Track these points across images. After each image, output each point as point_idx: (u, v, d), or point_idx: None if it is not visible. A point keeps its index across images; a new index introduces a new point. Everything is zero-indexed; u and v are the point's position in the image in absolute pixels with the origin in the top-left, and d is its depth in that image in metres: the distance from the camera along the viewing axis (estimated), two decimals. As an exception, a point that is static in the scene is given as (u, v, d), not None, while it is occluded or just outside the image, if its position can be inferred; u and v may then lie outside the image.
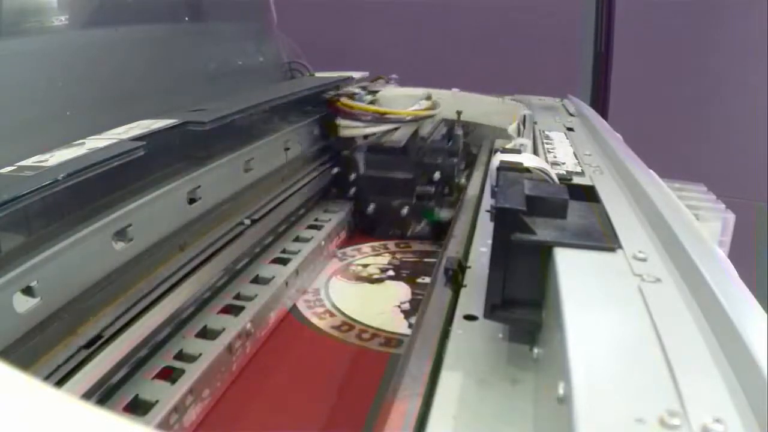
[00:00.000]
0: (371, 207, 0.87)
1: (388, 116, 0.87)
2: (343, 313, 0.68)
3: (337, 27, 1.72)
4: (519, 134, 0.64)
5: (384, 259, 0.82)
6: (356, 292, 0.74)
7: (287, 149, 0.80)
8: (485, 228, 0.51)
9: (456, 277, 0.42)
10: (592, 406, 0.19)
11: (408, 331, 0.63)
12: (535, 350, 0.33)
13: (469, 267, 0.44)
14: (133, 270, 0.51)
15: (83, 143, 0.50)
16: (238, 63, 0.92)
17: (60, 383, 0.41)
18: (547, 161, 0.46)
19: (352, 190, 0.89)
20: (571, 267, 0.29)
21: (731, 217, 0.54)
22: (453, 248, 0.50)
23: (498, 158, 0.41)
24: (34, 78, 0.55)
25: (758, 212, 1.37)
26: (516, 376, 0.32)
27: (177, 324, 0.55)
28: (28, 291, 0.40)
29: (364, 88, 0.96)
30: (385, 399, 0.33)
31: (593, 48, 1.48)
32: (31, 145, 0.48)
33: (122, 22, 0.68)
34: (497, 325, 0.35)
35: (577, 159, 0.51)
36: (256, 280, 0.67)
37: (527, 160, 0.41)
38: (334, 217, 0.85)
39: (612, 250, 0.31)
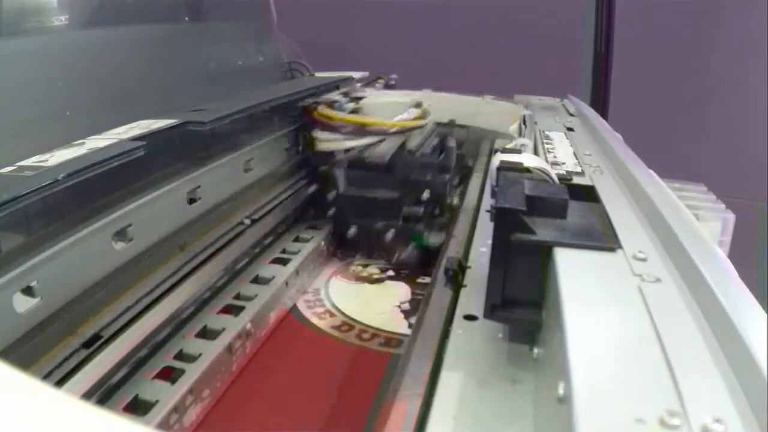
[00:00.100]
0: (352, 230, 0.79)
1: (370, 128, 0.77)
2: (343, 313, 0.68)
3: (337, 27, 1.72)
4: (520, 134, 0.64)
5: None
6: (356, 292, 0.74)
7: (287, 149, 0.80)
8: (485, 228, 0.51)
9: (456, 277, 0.42)
10: (592, 406, 0.19)
11: (408, 331, 0.63)
12: (535, 350, 0.33)
13: (469, 267, 0.44)
14: (133, 270, 0.51)
15: (83, 143, 0.50)
16: (238, 63, 0.92)
17: (60, 383, 0.41)
18: (547, 161, 0.46)
19: (331, 211, 0.80)
20: (571, 267, 0.29)
21: (731, 217, 0.54)
22: (453, 248, 0.50)
23: (498, 158, 0.41)
24: (34, 78, 0.55)
25: (758, 212, 1.37)
26: (516, 376, 0.32)
27: (177, 324, 0.55)
28: (28, 291, 0.40)
29: (346, 94, 0.86)
30: (385, 399, 0.33)
31: (593, 48, 1.48)
32: (31, 145, 0.48)
33: (122, 22, 0.68)
34: (497, 325, 0.35)
35: (577, 159, 0.51)
36: (256, 280, 0.67)
37: (527, 160, 0.41)
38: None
39: (612, 250, 0.31)
